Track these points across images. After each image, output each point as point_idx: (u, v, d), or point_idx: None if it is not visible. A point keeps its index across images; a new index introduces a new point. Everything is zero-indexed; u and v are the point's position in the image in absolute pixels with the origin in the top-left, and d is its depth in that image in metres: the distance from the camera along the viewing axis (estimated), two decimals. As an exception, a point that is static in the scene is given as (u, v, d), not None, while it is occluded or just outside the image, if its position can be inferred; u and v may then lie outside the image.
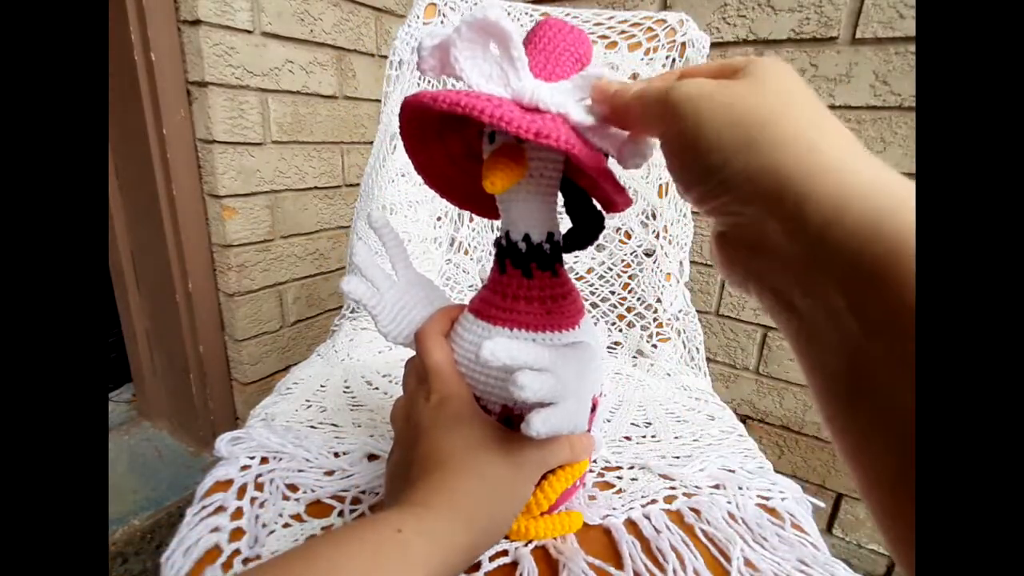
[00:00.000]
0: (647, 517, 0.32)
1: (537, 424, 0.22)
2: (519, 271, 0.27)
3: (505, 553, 0.29)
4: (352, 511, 0.33)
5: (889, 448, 0.14)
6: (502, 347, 0.22)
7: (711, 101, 0.18)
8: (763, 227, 0.17)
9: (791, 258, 0.16)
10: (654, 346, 0.59)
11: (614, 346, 0.61)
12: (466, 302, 0.31)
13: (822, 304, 0.15)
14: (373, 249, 0.31)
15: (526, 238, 0.27)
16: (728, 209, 0.18)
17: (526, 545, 0.30)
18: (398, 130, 0.26)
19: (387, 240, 0.31)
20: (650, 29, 0.61)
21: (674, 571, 0.28)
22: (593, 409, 0.29)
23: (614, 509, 0.33)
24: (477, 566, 0.28)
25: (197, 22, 0.74)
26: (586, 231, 0.29)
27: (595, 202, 0.29)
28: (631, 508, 0.33)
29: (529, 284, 0.27)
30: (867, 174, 0.15)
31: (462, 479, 0.24)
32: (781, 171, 0.16)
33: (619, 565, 0.29)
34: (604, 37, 0.63)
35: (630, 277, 0.63)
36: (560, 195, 0.28)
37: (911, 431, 0.13)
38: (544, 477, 0.28)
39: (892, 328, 0.14)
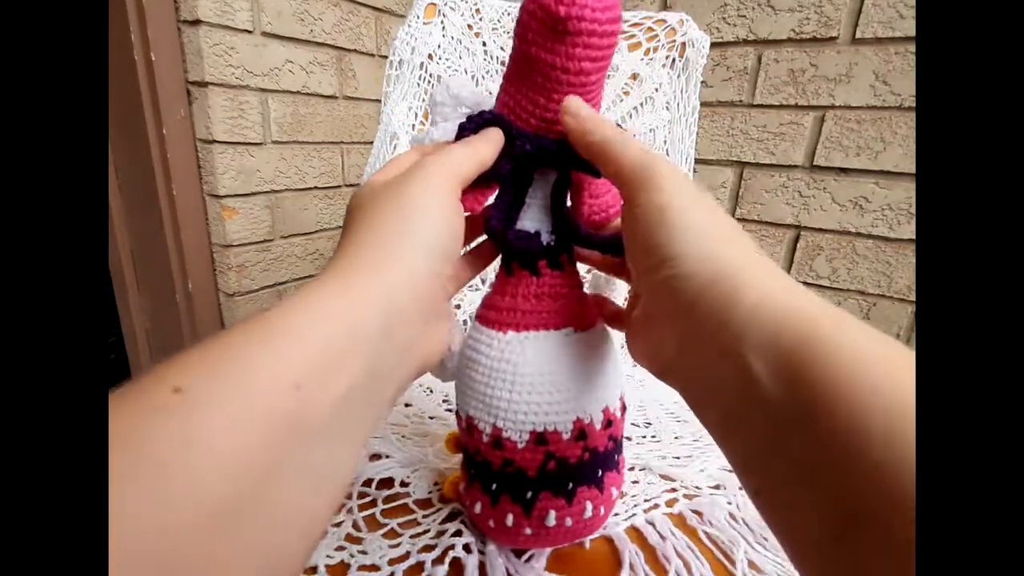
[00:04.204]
0: (651, 523, 0.32)
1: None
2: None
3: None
4: (360, 505, 0.33)
5: None
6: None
7: (676, 189, 0.20)
8: (694, 303, 0.18)
9: (715, 327, 0.18)
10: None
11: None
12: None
13: (738, 368, 0.17)
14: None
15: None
16: (668, 283, 0.19)
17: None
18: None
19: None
20: (650, 29, 0.61)
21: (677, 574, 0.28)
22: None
23: (616, 515, 0.33)
24: None
25: (197, 22, 0.74)
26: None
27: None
28: (633, 515, 0.33)
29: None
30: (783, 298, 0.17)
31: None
32: (733, 262, 0.18)
33: None
34: (604, 37, 0.63)
35: (630, 277, 0.63)
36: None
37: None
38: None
39: (804, 389, 0.15)
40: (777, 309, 0.16)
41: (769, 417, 0.16)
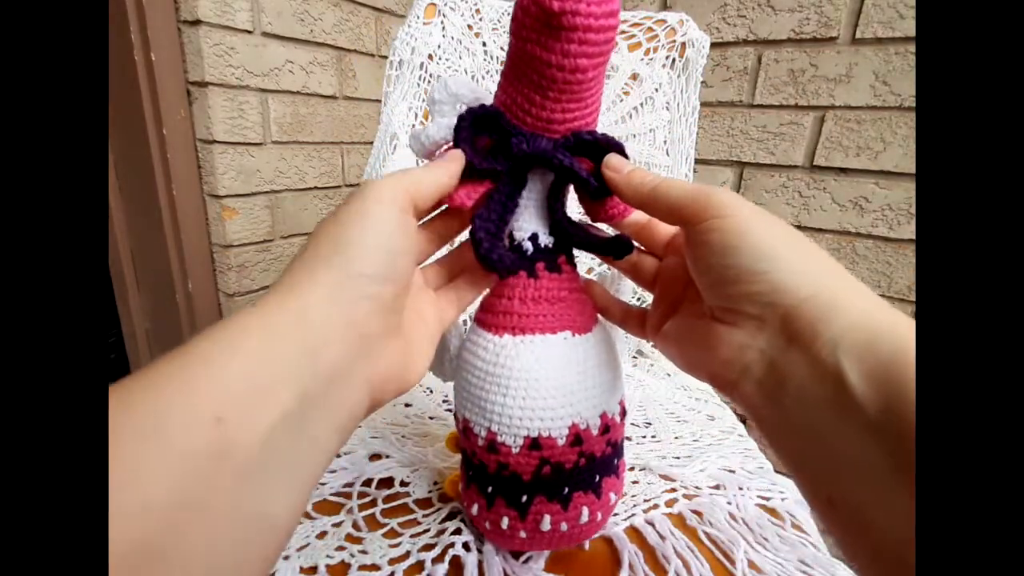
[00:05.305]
0: (650, 523, 0.32)
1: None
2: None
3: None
4: (360, 505, 0.33)
5: None
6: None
7: (754, 210, 0.21)
8: (792, 314, 0.19)
9: (811, 336, 0.18)
10: (654, 346, 0.59)
11: (614, 346, 0.61)
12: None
13: (831, 375, 0.17)
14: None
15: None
16: (761, 296, 0.19)
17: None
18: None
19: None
20: (650, 29, 0.61)
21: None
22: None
23: (615, 515, 0.32)
24: None
25: (197, 22, 0.74)
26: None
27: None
28: (633, 515, 0.33)
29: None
30: (881, 315, 0.18)
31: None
32: (830, 278, 0.19)
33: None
34: (604, 37, 0.63)
35: (630, 277, 0.63)
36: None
37: None
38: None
39: (899, 401, 0.15)
40: (873, 325, 0.17)
41: (861, 426, 0.16)
